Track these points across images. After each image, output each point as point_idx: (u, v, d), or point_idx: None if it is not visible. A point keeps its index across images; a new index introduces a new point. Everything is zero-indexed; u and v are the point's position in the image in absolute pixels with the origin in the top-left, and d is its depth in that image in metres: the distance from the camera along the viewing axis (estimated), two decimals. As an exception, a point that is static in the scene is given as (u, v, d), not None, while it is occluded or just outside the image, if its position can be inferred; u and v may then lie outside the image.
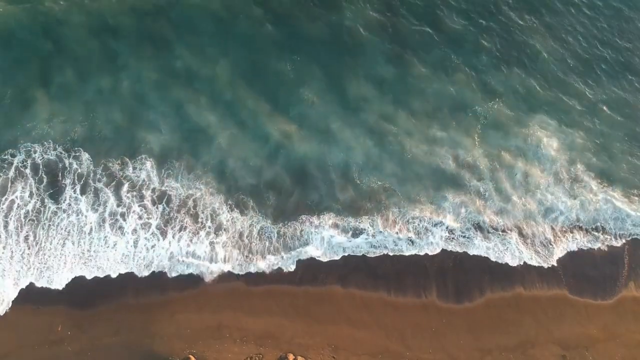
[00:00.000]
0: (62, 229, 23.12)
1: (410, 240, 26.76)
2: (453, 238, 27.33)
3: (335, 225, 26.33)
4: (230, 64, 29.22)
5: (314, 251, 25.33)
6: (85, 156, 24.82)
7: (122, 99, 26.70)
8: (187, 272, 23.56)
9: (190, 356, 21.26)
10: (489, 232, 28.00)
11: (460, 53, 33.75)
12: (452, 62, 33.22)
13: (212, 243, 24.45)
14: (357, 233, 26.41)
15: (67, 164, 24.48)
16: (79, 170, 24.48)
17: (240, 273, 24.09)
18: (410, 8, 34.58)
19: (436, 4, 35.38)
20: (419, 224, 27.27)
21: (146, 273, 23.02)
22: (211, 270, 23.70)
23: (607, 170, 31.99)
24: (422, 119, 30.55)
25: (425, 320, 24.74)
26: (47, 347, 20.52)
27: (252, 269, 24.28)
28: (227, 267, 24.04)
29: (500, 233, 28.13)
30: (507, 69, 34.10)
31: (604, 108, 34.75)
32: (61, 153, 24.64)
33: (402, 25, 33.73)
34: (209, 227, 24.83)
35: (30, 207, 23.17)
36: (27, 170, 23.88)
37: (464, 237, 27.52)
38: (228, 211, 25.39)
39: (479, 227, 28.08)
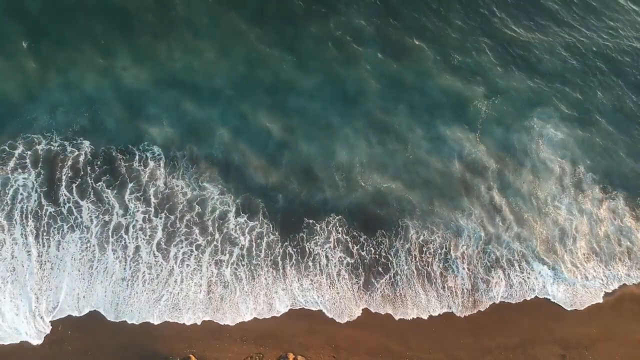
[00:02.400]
0: (63, 248, 22.41)
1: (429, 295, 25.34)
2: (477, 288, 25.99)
3: (347, 251, 25.21)
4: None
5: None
6: (86, 143, 24.65)
7: (123, 94, 26.65)
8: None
9: (191, 356, 21.21)
10: (512, 268, 26.80)
11: (460, 50, 33.59)
12: (453, 59, 33.07)
13: (218, 263, 23.77)
14: (374, 273, 25.09)
15: (68, 157, 24.19)
16: (80, 165, 24.14)
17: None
18: (410, 4, 34.34)
19: (437, 1, 35.20)
20: (435, 257, 26.06)
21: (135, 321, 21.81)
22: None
23: (610, 173, 31.78)
24: (423, 116, 30.42)
25: (425, 319, 24.72)
26: (47, 346, 20.47)
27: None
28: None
29: (527, 270, 26.92)
30: (508, 68, 33.91)
31: (606, 107, 34.63)
32: (63, 144, 24.39)
33: (401, 22, 33.57)
34: (217, 241, 24.21)
35: (30, 206, 22.83)
36: (27, 163, 23.68)
37: (487, 288, 26.05)
38: (234, 217, 24.91)
39: (499, 262, 26.84)
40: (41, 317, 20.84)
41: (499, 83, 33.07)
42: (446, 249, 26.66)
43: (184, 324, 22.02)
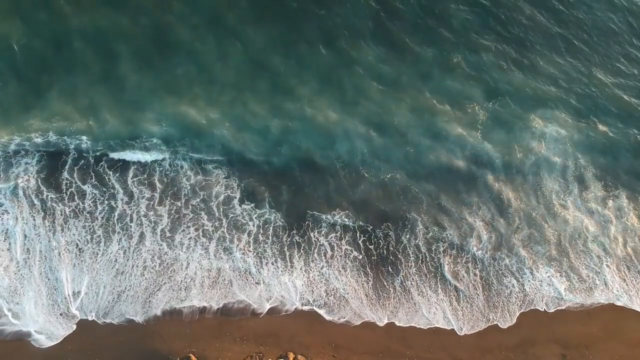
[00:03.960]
0: (68, 240, 22.15)
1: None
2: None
3: (354, 243, 24.87)
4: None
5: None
6: (87, 139, 24.38)
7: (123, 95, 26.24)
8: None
9: (191, 355, 21.23)
10: (524, 277, 26.35)
11: (461, 50, 32.97)
12: (453, 58, 32.47)
13: (227, 250, 23.66)
14: (383, 273, 24.75)
15: (69, 150, 23.96)
16: (82, 159, 23.95)
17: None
18: (411, 3, 33.49)
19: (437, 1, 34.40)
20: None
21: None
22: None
23: (612, 171, 31.55)
24: (424, 113, 30.04)
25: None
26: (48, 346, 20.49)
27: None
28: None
29: (538, 279, 26.53)
30: (510, 67, 33.39)
31: (607, 106, 34.32)
32: (63, 138, 24.10)
33: (402, 20, 32.78)
34: (224, 228, 24.07)
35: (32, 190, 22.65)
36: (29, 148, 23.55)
37: (501, 304, 25.61)
38: (239, 204, 24.74)
39: (509, 269, 26.39)
40: (61, 314, 20.91)
41: (500, 83, 32.58)
42: (457, 250, 26.47)
43: (184, 323, 21.95)
